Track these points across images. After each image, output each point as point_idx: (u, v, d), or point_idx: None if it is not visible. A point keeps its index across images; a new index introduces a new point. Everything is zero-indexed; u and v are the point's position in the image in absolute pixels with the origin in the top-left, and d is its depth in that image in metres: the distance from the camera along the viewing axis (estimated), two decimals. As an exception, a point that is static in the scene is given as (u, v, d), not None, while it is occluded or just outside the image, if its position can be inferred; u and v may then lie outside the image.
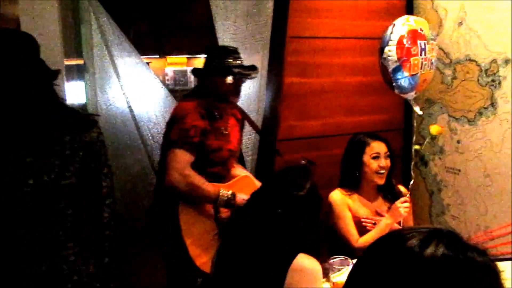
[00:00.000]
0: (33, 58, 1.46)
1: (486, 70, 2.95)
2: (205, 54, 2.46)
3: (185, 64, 6.67)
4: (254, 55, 3.00)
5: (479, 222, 3.07)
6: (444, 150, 3.28)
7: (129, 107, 2.94)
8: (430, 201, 3.41)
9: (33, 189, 1.41)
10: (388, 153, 2.35)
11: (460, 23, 3.07)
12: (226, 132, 2.40)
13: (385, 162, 2.33)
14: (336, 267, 1.72)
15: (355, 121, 3.26)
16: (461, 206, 3.21)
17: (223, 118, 2.41)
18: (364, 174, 2.35)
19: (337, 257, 1.77)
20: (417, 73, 2.28)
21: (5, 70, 1.37)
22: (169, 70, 6.62)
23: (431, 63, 2.34)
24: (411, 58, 2.25)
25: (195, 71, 2.54)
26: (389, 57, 2.28)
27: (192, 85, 6.45)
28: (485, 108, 2.99)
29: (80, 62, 2.92)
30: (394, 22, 2.34)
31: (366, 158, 2.33)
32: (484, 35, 2.94)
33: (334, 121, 3.22)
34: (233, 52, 2.40)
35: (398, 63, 2.27)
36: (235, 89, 2.40)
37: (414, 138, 2.72)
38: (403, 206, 2.24)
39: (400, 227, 2.29)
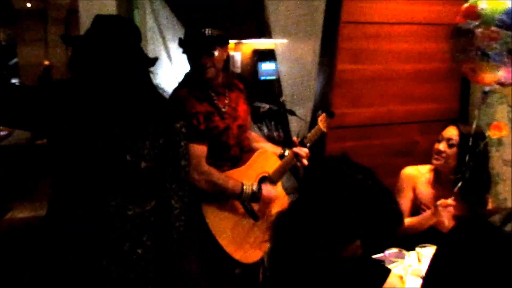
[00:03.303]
0: (135, 45, 1.54)
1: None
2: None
3: (232, 49, 6.67)
4: (306, 41, 2.95)
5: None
6: (503, 142, 3.13)
7: (181, 91, 2.95)
8: (485, 195, 3.28)
9: (114, 165, 1.49)
10: (453, 141, 2.21)
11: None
12: (230, 108, 2.20)
13: (443, 147, 2.22)
14: (392, 259, 1.68)
15: (408, 109, 3.16)
16: (519, 201, 3.07)
17: (223, 94, 2.21)
18: None
19: (392, 249, 1.73)
20: None
21: (111, 52, 1.45)
22: (217, 55, 6.63)
23: None
24: None
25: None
26: None
27: (239, 70, 6.39)
28: (550, 98, 2.84)
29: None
30: None
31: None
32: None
33: (387, 109, 3.13)
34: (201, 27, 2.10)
35: None
36: (209, 64, 2.08)
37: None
38: (445, 210, 2.05)
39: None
